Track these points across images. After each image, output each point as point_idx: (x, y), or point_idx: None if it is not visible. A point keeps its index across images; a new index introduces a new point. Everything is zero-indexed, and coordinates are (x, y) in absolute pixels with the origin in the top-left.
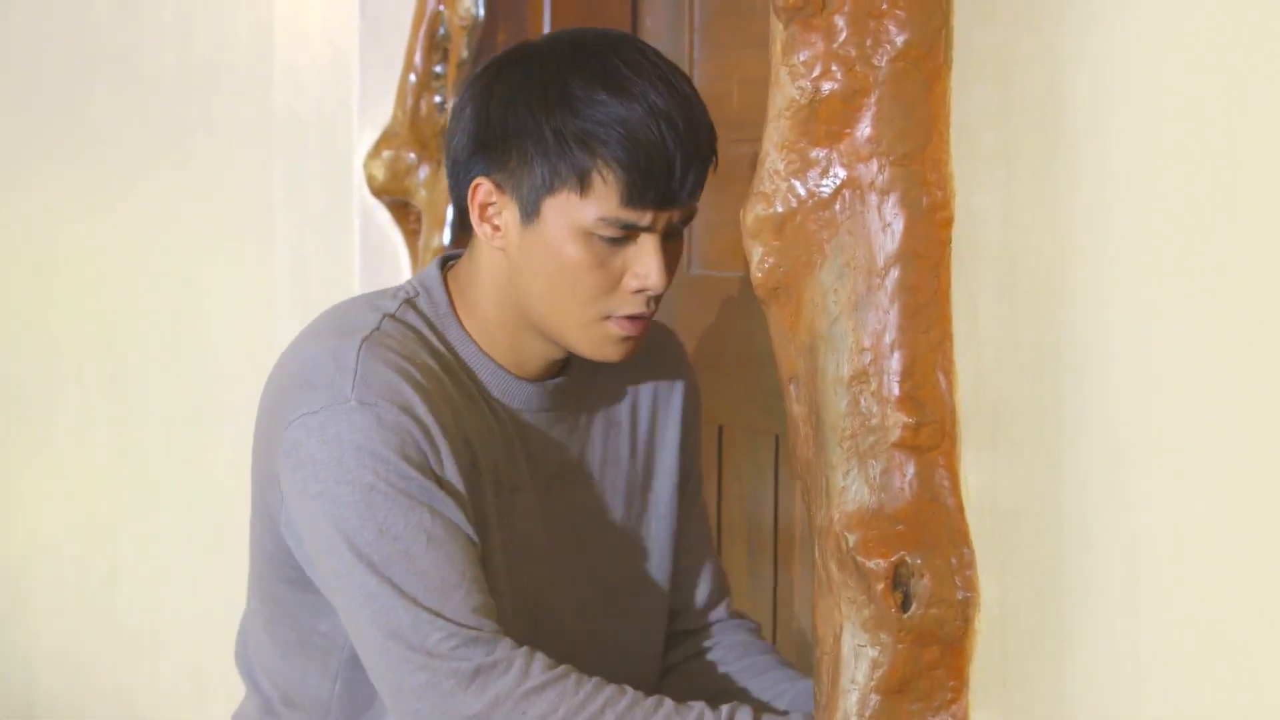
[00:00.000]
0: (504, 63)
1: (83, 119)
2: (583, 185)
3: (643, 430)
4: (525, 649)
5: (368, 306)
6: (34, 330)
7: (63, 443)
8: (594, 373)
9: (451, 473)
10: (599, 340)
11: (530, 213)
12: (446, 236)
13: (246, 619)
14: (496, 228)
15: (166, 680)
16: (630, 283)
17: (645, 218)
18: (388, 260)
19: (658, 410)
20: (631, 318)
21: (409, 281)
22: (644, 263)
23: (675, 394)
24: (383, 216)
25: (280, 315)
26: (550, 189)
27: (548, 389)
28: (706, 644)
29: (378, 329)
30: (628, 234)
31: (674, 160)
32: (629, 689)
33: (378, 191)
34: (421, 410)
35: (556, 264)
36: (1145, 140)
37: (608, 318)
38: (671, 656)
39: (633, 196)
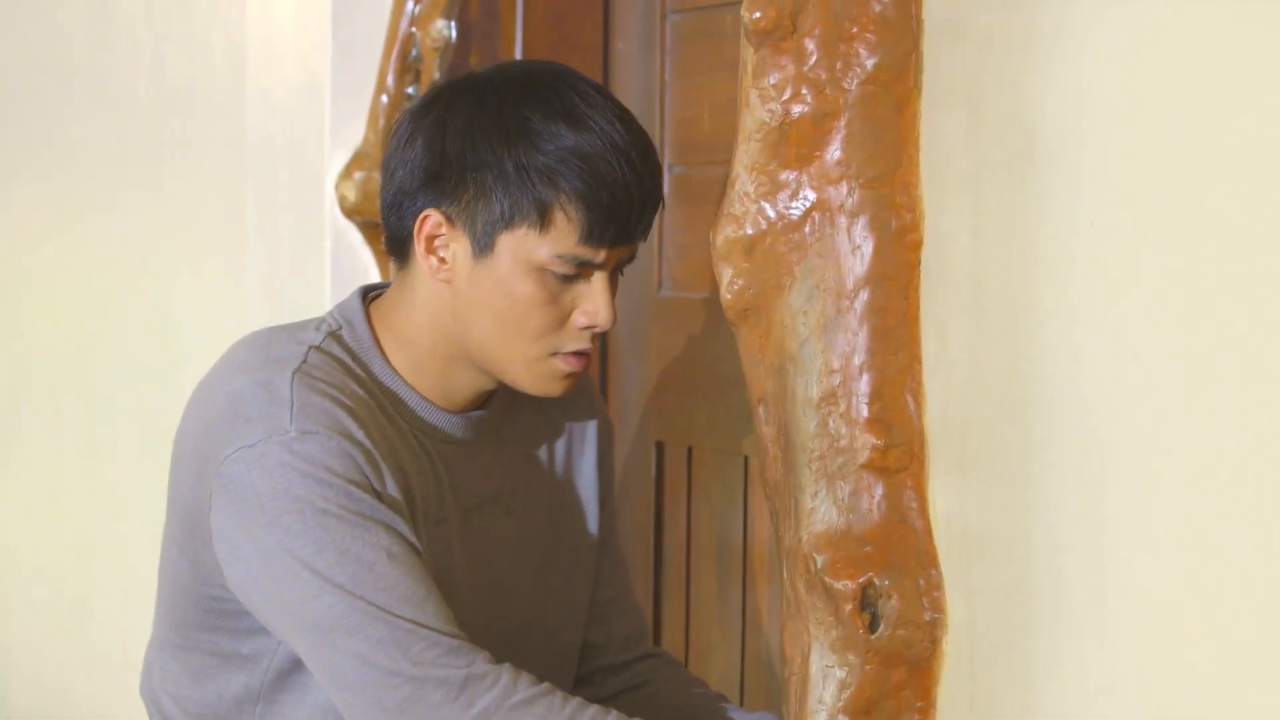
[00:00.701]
0: (453, 94)
1: (54, 139)
2: (543, 221)
3: (559, 465)
4: (508, 665)
5: (289, 339)
6: (5, 352)
7: (34, 464)
8: (513, 406)
9: (394, 492)
10: (542, 376)
11: (484, 247)
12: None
13: (153, 648)
14: (443, 260)
15: (138, 703)
16: (579, 319)
17: (600, 255)
18: (359, 280)
19: (573, 446)
20: (576, 354)
21: (329, 313)
22: (594, 300)
23: (589, 430)
24: (354, 237)
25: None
26: (509, 223)
27: (471, 420)
28: (639, 679)
29: (306, 360)
30: (580, 271)
31: (634, 198)
32: (612, 710)
33: (349, 212)
34: (360, 435)
35: (508, 300)
36: (1113, 165)
37: (554, 354)
38: (599, 691)
39: (592, 234)
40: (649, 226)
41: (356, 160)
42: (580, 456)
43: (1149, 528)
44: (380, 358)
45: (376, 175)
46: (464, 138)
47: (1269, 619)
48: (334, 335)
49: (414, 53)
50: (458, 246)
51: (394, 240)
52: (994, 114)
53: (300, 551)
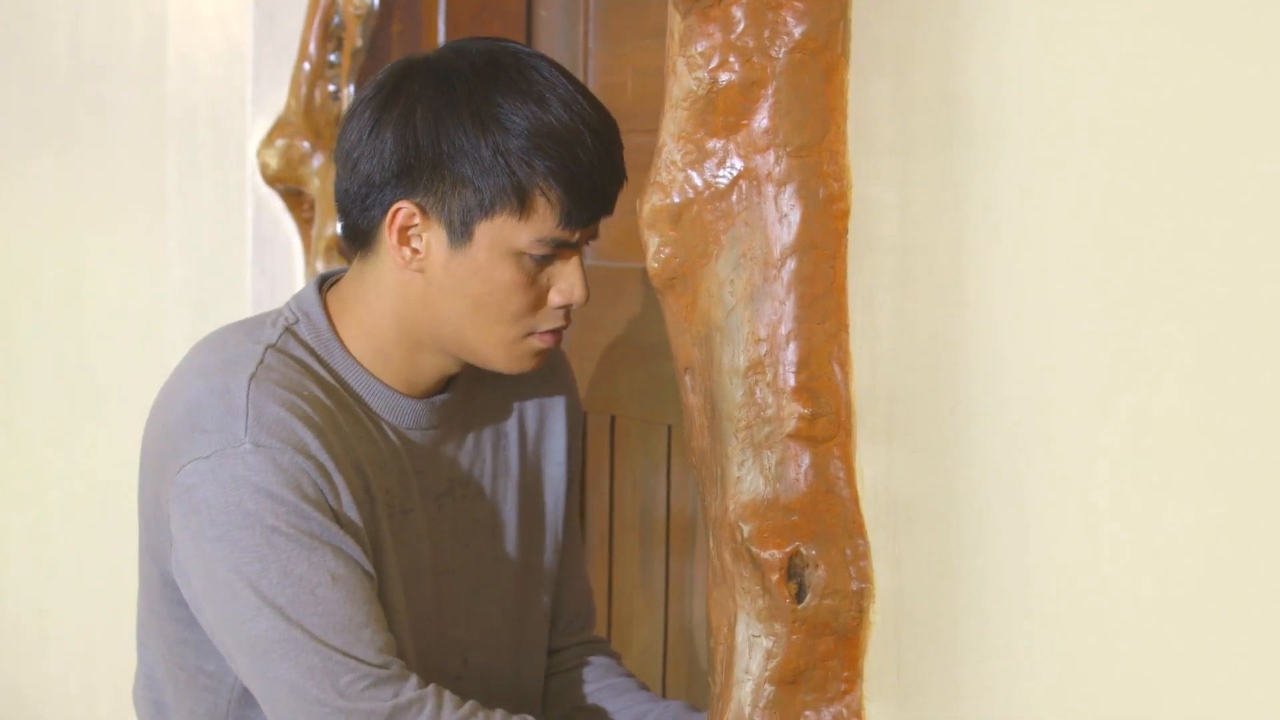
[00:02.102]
0: (416, 81)
1: None
2: (523, 207)
3: (530, 442)
4: (433, 687)
5: (248, 338)
6: None
7: None
8: (478, 386)
9: (349, 507)
10: (519, 355)
11: (461, 236)
12: (340, 225)
13: (142, 656)
14: (416, 251)
15: (54, 672)
16: (555, 298)
17: (576, 236)
18: (280, 249)
19: (544, 422)
20: (552, 330)
21: (287, 305)
22: (569, 279)
23: (559, 407)
24: (276, 205)
25: (171, 303)
26: (488, 212)
27: (435, 405)
28: (570, 664)
29: (262, 363)
30: (555, 252)
31: (608, 177)
32: (530, 719)
33: (271, 180)
34: (315, 447)
35: (487, 286)
36: (1040, 135)
37: (530, 334)
38: None
39: (571, 216)
40: (615, 202)
41: (279, 127)
42: (550, 434)
43: (1075, 496)
44: (340, 349)
45: (299, 143)
46: (436, 127)
47: (1194, 587)
48: (290, 330)
49: (336, 19)
50: (431, 236)
51: (357, 231)
52: (922, 83)
53: (245, 569)
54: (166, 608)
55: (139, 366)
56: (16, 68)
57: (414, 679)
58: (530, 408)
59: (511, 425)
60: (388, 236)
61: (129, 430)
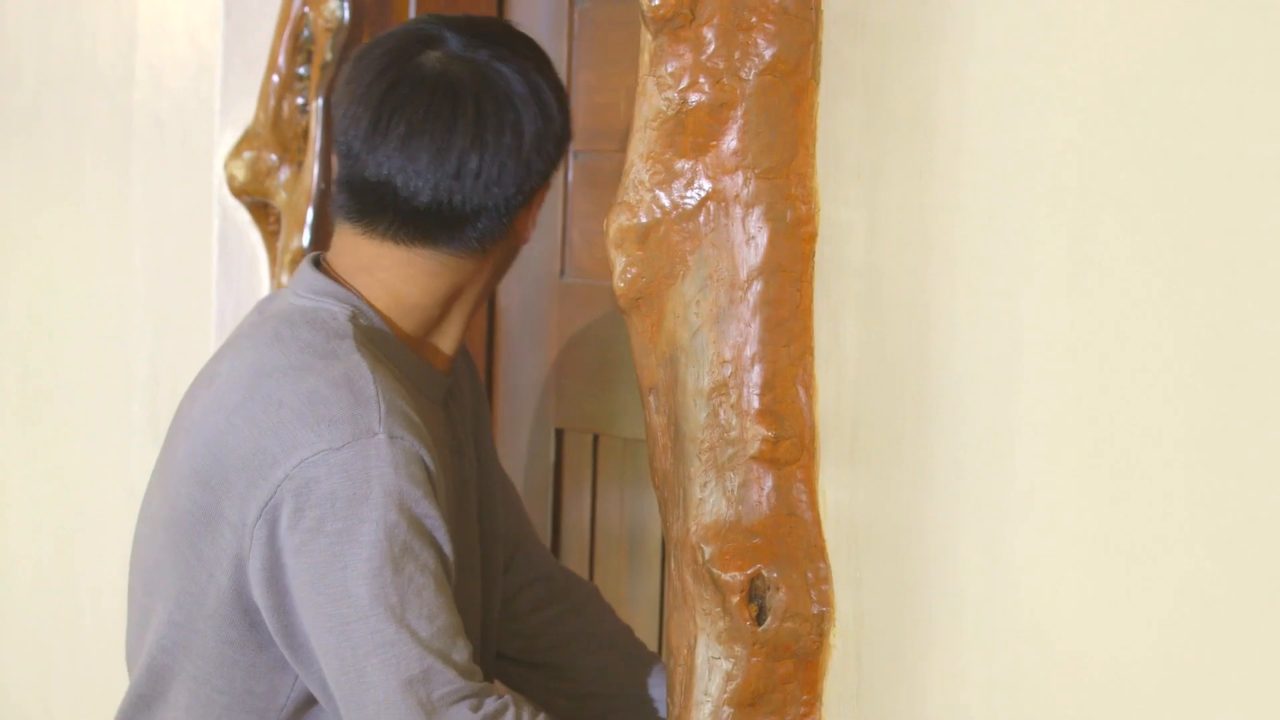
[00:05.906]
0: (532, 53)
1: None
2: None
3: (473, 418)
4: (511, 697)
5: (321, 332)
6: None
7: None
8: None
9: (443, 497)
10: None
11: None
12: (306, 238)
13: (159, 677)
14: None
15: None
16: None
17: None
18: (245, 261)
19: (478, 399)
20: None
21: (328, 299)
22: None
23: (479, 386)
24: (242, 217)
25: (134, 313)
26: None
27: (450, 383)
28: (574, 599)
29: (363, 354)
30: None
31: None
32: None
33: (238, 192)
34: (428, 438)
35: (510, 256)
36: (1007, 159)
37: None
38: (549, 611)
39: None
40: None
41: (246, 140)
42: (483, 410)
43: (1039, 520)
44: (392, 336)
45: (266, 155)
46: (562, 103)
47: (1160, 610)
48: (353, 321)
49: (306, 32)
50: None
51: (457, 218)
52: (891, 106)
53: (362, 565)
54: (215, 629)
55: (100, 377)
56: None
57: (496, 690)
58: (469, 386)
59: (469, 400)
60: (529, 216)
61: (90, 442)
